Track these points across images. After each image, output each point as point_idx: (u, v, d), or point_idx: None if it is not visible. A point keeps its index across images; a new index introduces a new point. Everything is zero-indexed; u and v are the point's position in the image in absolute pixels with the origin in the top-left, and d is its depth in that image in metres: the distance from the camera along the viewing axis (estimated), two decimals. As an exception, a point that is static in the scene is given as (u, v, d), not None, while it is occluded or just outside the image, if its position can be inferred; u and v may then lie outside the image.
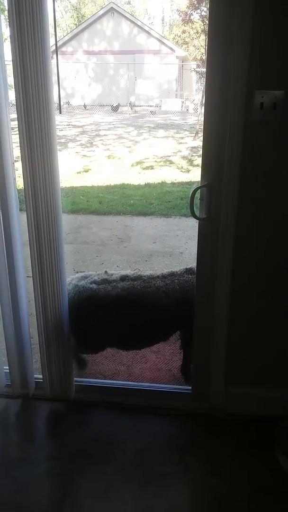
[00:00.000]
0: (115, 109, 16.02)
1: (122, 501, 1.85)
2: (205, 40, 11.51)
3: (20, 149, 1.97)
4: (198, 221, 2.07)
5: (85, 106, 16.48)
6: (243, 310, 2.16)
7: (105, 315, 2.33)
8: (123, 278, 2.40)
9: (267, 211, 2.00)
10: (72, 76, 17.23)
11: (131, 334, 2.40)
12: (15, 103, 1.92)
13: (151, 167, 8.07)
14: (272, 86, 1.82)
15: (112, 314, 2.33)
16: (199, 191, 2.01)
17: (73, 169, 7.57)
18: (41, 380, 2.36)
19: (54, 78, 1.97)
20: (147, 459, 2.05)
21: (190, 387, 2.37)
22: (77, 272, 3.94)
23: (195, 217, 2.04)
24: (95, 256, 4.37)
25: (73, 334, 2.33)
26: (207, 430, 2.23)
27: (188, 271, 2.45)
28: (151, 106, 16.71)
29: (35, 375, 2.40)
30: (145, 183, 7.06)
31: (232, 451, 2.11)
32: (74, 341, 2.38)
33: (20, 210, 2.15)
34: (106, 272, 2.48)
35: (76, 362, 2.56)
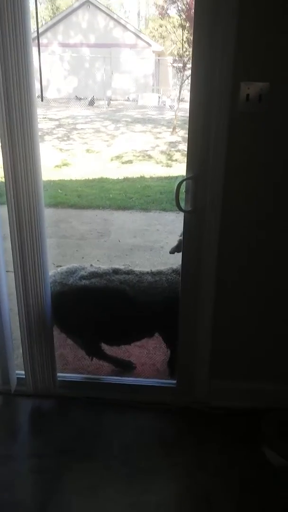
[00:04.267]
0: (91, 102, 15.86)
1: (109, 498, 1.83)
2: (182, 35, 11.48)
3: (1, 140, 1.92)
4: (183, 214, 2.05)
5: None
6: (228, 303, 2.16)
7: (100, 307, 2.32)
8: (116, 271, 2.38)
9: (253, 203, 1.99)
10: (47, 69, 16.97)
11: (126, 328, 2.40)
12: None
13: (130, 162, 8.02)
14: (257, 77, 1.81)
15: (108, 306, 2.32)
16: (184, 183, 1.99)
17: (51, 163, 7.45)
18: (23, 377, 2.31)
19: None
20: (133, 454, 2.03)
21: (174, 381, 2.36)
22: (57, 266, 3.88)
23: (181, 209, 2.02)
24: (75, 251, 4.32)
25: (68, 331, 2.31)
26: (193, 424, 2.22)
27: (175, 271, 2.45)
28: (127, 100, 16.61)
29: (17, 371, 2.35)
30: (124, 178, 7.01)
31: (218, 445, 2.10)
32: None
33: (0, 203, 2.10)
34: (91, 265, 2.46)
35: (117, 365, 2.58)
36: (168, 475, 1.95)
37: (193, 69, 1.83)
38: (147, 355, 2.73)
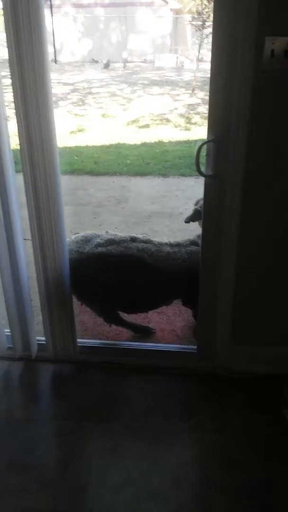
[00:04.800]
0: (106, 65, 15.47)
1: (130, 459, 1.87)
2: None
3: (15, 106, 1.87)
4: (203, 179, 1.99)
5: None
6: (250, 267, 2.12)
7: (118, 275, 2.31)
8: (133, 239, 2.36)
9: (277, 166, 1.92)
10: (61, 31, 16.54)
11: (144, 295, 2.39)
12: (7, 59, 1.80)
13: (147, 126, 7.86)
14: (283, 31, 1.70)
15: (123, 273, 2.30)
16: (204, 146, 1.92)
17: (66, 129, 7.35)
18: (44, 342, 2.34)
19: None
20: (154, 417, 2.06)
21: (195, 347, 2.36)
22: (74, 234, 3.88)
23: (201, 174, 1.96)
24: (92, 218, 4.30)
25: (85, 300, 2.33)
26: (214, 389, 2.23)
27: (193, 242, 2.41)
28: (144, 62, 16.15)
29: (38, 337, 2.38)
30: (142, 143, 6.88)
31: (239, 409, 2.11)
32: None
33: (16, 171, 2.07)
34: (107, 232, 2.43)
35: (136, 331, 2.59)
36: (188, 437, 1.98)
37: (214, 24, 1.73)
38: (167, 321, 2.74)
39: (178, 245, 2.42)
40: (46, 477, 1.78)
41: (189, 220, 2.51)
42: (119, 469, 1.82)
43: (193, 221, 2.52)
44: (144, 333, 2.61)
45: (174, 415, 2.08)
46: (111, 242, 2.35)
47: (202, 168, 1.95)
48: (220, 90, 1.80)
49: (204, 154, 1.93)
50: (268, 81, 1.78)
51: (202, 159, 1.94)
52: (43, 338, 2.33)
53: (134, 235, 2.43)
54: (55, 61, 14.09)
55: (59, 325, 2.26)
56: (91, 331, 2.64)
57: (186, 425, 2.03)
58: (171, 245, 2.42)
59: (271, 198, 1.98)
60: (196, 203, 2.58)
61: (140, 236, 2.43)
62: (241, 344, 2.28)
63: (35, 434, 1.97)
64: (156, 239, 2.47)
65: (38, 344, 2.37)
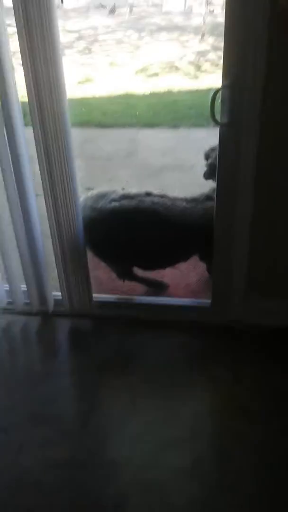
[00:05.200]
0: (112, 11, 14.78)
1: (148, 410, 1.91)
2: None
3: (21, 56, 1.78)
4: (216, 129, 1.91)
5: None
6: (265, 220, 2.08)
7: (130, 229, 2.28)
8: (148, 193, 2.32)
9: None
10: (64, -26, 15.72)
11: (160, 251, 2.36)
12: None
13: (156, 74, 7.57)
14: None
15: (139, 228, 2.27)
16: (219, 93, 1.83)
17: (72, 79, 7.10)
18: (60, 297, 2.35)
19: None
20: (170, 370, 2.09)
21: (209, 301, 2.36)
22: (86, 188, 3.82)
23: (216, 122, 1.88)
24: (102, 172, 4.21)
25: (100, 255, 2.35)
26: (228, 342, 2.24)
27: (209, 198, 2.34)
28: (151, 6, 15.39)
29: (54, 293, 2.39)
30: (150, 92, 6.64)
31: (254, 361, 2.13)
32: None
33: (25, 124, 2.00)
34: (123, 189, 2.38)
35: (150, 285, 2.58)
36: (204, 388, 2.01)
37: None
38: (181, 276, 2.72)
39: (194, 200, 2.37)
40: (66, 428, 1.84)
41: (208, 176, 2.43)
42: (138, 420, 1.86)
43: (214, 176, 2.44)
44: (157, 287, 2.60)
45: (189, 368, 2.11)
46: (125, 197, 2.30)
47: (217, 117, 1.87)
48: (236, 32, 1.70)
49: (219, 101, 1.85)
50: (285, 23, 1.66)
51: (217, 108, 1.86)
52: (59, 293, 2.33)
53: (149, 190, 2.37)
54: (62, 1, 13.36)
55: (74, 280, 2.26)
56: (105, 285, 2.64)
57: (201, 377, 2.06)
58: (186, 200, 2.36)
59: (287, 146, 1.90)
60: (206, 157, 2.49)
61: (155, 191, 2.38)
62: (255, 298, 2.26)
63: (54, 387, 2.01)
64: (172, 194, 2.41)
65: (54, 299, 2.38)
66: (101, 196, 2.34)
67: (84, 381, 2.04)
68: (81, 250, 2.21)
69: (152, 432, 1.81)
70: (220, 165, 1.99)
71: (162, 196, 2.33)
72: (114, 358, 2.15)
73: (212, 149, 2.43)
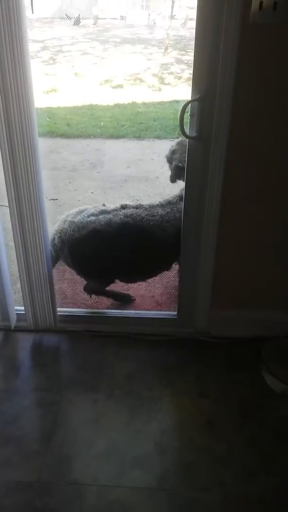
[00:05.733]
0: (76, 22, 14.78)
1: (114, 427, 1.85)
2: None
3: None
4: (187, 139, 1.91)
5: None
6: (231, 233, 2.08)
7: (111, 244, 2.24)
8: (124, 206, 2.29)
9: (263, 126, 1.85)
10: (28, -17, 15.64)
11: (139, 264, 2.33)
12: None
13: (120, 86, 7.60)
14: (273, -19, 1.61)
15: (118, 242, 2.23)
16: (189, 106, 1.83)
17: (37, 89, 7.02)
18: (23, 312, 2.27)
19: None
20: (136, 384, 2.04)
21: (175, 313, 2.34)
22: (50, 199, 3.75)
23: (185, 135, 1.88)
24: (67, 183, 4.15)
25: (82, 271, 2.32)
26: (194, 354, 2.22)
27: (182, 198, 2.34)
28: (115, 18, 15.50)
29: (16, 307, 2.31)
30: (115, 103, 6.66)
31: (220, 373, 2.12)
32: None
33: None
34: (104, 205, 2.35)
35: (117, 299, 2.55)
36: (171, 403, 1.97)
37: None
38: (146, 288, 2.70)
39: (169, 203, 2.35)
40: (29, 448, 1.75)
41: (173, 179, 2.44)
42: (103, 438, 1.80)
43: (178, 178, 2.43)
44: (124, 300, 2.57)
45: (155, 381, 2.07)
46: (102, 212, 2.27)
47: (187, 129, 1.87)
48: (206, 46, 1.71)
49: (189, 114, 1.85)
50: (256, 35, 1.68)
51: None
52: (22, 308, 2.26)
53: (125, 202, 2.35)
54: (32, 10, 13.22)
55: (38, 294, 2.19)
56: (70, 299, 2.58)
57: (167, 391, 2.02)
58: (162, 205, 2.34)
59: (256, 159, 1.92)
60: (169, 160, 2.49)
61: (130, 202, 2.35)
62: (219, 309, 2.26)
63: (17, 406, 1.92)
64: (147, 202, 2.39)
65: (17, 313, 2.30)
66: (81, 211, 2.31)
67: (47, 398, 1.96)
68: (46, 262, 2.14)
69: (118, 449, 1.76)
70: (188, 178, 1.98)
71: (137, 207, 2.30)
72: (78, 374, 2.09)
73: (173, 151, 2.44)
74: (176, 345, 2.26)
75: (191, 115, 1.85)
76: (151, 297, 2.64)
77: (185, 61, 9.22)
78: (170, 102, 7.02)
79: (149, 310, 2.50)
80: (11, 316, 2.27)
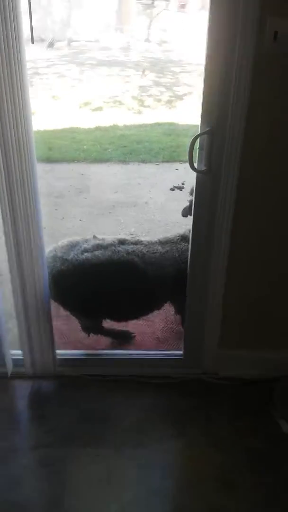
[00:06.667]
0: (50, 44, 14.79)
1: (126, 487, 1.70)
2: None
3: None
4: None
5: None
6: (241, 270, 1.98)
7: (107, 282, 2.11)
8: (122, 241, 2.16)
9: (276, 162, 1.77)
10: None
11: (136, 302, 2.22)
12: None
13: (100, 109, 7.54)
14: None
15: (115, 280, 2.11)
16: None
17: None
18: (20, 357, 2.10)
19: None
20: (145, 436, 1.90)
21: (181, 352, 2.21)
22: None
23: (194, 169, 1.78)
24: (54, 209, 4.01)
25: (71, 309, 2.18)
26: (202, 398, 2.09)
27: (184, 238, 2.23)
28: (89, 41, 15.59)
29: (12, 351, 2.14)
30: (96, 126, 6.58)
31: (231, 419, 2.00)
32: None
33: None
34: (94, 236, 2.21)
35: (115, 337, 2.41)
36: (183, 456, 1.84)
37: (211, 2, 1.53)
38: (146, 324, 2.56)
39: (168, 241, 2.23)
40: (35, 517, 1.58)
41: (186, 213, 2.33)
42: (117, 501, 1.65)
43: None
44: (123, 338, 2.42)
45: (165, 432, 1.92)
46: (98, 247, 2.13)
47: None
48: (217, 77, 1.62)
49: (198, 147, 1.75)
50: (270, 66, 1.61)
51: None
52: (18, 352, 2.09)
53: (123, 237, 2.23)
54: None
55: (37, 336, 2.03)
56: (66, 338, 2.42)
57: (178, 443, 1.89)
58: (161, 243, 2.23)
59: (269, 197, 1.83)
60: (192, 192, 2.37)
61: (128, 237, 2.23)
62: (228, 349, 2.15)
63: (16, 467, 1.75)
64: (146, 238, 2.27)
65: (12, 359, 2.13)
66: (72, 245, 2.16)
67: (51, 456, 1.79)
68: (46, 302, 1.99)
69: (133, 513, 1.61)
70: (196, 212, 1.88)
71: (136, 243, 2.18)
72: (81, 425, 1.93)
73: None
74: (183, 388, 2.13)
75: (200, 148, 1.75)
76: (152, 333, 2.51)
77: (163, 83, 9.25)
78: (151, 124, 6.98)
79: (151, 350, 2.36)
80: (7, 362, 2.09)
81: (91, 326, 2.34)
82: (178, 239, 2.23)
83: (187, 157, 1.76)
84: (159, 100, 8.23)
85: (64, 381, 2.13)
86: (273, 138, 1.72)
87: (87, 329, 2.34)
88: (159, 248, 2.18)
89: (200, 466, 1.79)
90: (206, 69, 1.62)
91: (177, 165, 5.07)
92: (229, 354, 2.15)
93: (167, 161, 5.25)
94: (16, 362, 2.12)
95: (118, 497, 1.66)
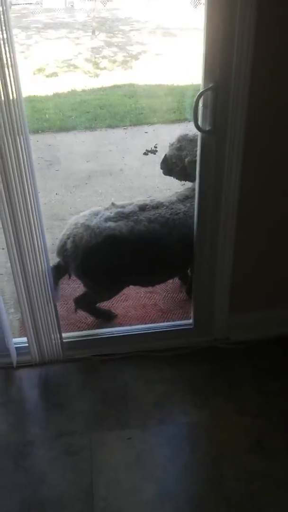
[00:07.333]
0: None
1: (158, 466, 1.65)
2: None
3: None
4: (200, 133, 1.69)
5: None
6: (249, 231, 1.91)
7: (132, 254, 2.00)
8: (142, 207, 2.02)
9: (283, 118, 1.67)
10: None
11: (164, 266, 2.12)
12: None
13: (55, 74, 7.17)
14: None
15: (140, 251, 1.99)
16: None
17: None
18: (23, 345, 1.98)
19: None
20: (168, 411, 1.84)
21: (191, 321, 2.15)
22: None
23: (199, 129, 1.66)
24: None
25: (94, 282, 2.07)
26: (220, 365, 2.05)
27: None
28: (30, 4, 14.73)
29: (15, 339, 2.01)
30: (54, 93, 6.26)
31: (252, 382, 1.97)
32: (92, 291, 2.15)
33: None
34: (113, 204, 2.07)
35: (99, 316, 2.29)
36: (212, 426, 1.79)
37: None
38: (145, 296, 2.48)
39: (187, 197, 2.10)
40: (73, 510, 1.51)
41: (184, 177, 2.20)
42: (150, 481, 1.60)
43: (189, 177, 2.18)
44: (105, 317, 2.31)
45: (188, 404, 1.88)
46: (119, 214, 2.00)
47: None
48: (219, 28, 1.49)
49: (201, 105, 1.63)
50: (276, 11, 1.48)
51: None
52: (24, 340, 1.97)
53: (143, 201, 2.07)
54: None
55: (43, 320, 1.91)
56: (65, 320, 2.30)
57: (204, 413, 1.84)
58: (180, 200, 2.09)
59: (278, 152, 1.74)
60: (177, 157, 2.20)
61: (148, 200, 2.08)
62: (238, 313, 2.10)
63: (42, 459, 1.66)
64: (165, 199, 2.13)
65: (16, 347, 2.00)
66: (94, 214, 2.04)
67: (76, 444, 1.71)
68: (49, 285, 1.86)
69: (169, 492, 1.56)
70: (201, 174, 1.77)
71: (157, 207, 2.05)
72: (101, 408, 1.85)
73: (179, 148, 2.17)
74: (197, 357, 2.08)
75: (204, 106, 1.63)
76: (154, 305, 2.43)
77: (116, 44, 8.91)
78: (110, 87, 6.71)
79: (156, 323, 2.28)
80: (11, 351, 1.97)
81: (90, 300, 2.23)
82: (194, 193, 2.11)
83: (186, 117, 1.65)
84: (114, 61, 7.91)
85: (73, 366, 2.03)
86: (281, 91, 1.61)
87: (81, 304, 2.23)
88: (181, 207, 2.06)
89: (232, 434, 1.76)
90: (207, 23, 1.48)
91: (146, 128, 4.90)
92: (240, 318, 2.10)
93: (135, 125, 5.07)
94: (20, 350, 2.00)
95: (151, 478, 1.61)
